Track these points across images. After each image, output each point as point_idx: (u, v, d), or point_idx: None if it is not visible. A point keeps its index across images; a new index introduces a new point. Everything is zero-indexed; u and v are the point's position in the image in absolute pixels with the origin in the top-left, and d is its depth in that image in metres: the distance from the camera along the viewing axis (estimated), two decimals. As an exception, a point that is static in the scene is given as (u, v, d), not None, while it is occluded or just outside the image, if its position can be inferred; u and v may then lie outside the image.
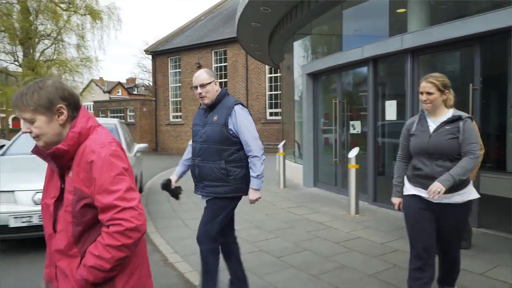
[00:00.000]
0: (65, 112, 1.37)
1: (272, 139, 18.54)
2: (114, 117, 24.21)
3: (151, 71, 45.68)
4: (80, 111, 1.42)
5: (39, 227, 3.93)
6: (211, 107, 2.72)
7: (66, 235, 1.37)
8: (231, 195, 2.70)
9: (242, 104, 2.76)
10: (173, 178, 2.87)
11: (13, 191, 4.01)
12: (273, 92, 18.70)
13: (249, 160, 2.69)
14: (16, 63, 19.26)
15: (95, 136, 1.40)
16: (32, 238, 4.16)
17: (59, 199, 1.42)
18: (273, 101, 18.77)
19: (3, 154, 5.07)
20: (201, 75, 2.68)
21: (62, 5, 19.39)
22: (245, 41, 11.53)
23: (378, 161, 6.25)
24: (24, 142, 5.22)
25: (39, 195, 4.02)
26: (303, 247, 4.19)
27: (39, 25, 18.81)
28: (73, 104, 1.40)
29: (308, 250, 4.08)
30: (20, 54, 19.38)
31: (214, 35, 21.07)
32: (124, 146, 5.73)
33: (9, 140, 20.78)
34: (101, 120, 6.82)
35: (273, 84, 18.67)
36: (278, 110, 18.52)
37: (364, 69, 6.56)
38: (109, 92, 57.90)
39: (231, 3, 26.65)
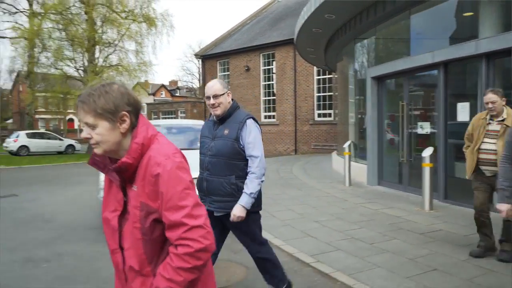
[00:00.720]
0: (128, 120, 1.31)
1: (321, 140, 18.90)
2: (165, 118, 25.59)
3: (194, 73, 47.38)
4: (139, 119, 1.36)
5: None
6: (222, 119, 2.66)
7: (137, 252, 1.31)
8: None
9: (253, 118, 2.69)
10: (201, 194, 2.75)
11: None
12: (321, 94, 19.04)
13: (248, 175, 2.60)
14: (81, 69, 20.94)
15: (158, 146, 1.33)
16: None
17: (123, 213, 1.36)
18: (321, 103, 19.11)
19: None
20: (215, 86, 2.62)
21: (122, 14, 20.89)
22: (302, 45, 12.03)
23: (448, 160, 6.52)
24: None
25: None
26: (390, 236, 4.64)
27: (103, 34, 20.36)
28: (136, 112, 1.34)
29: (396, 239, 4.52)
30: (81, 61, 21.13)
31: (262, 38, 21.73)
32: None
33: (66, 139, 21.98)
34: (190, 122, 7.60)
35: (321, 85, 19.02)
36: (327, 111, 18.87)
37: (433, 72, 6.85)
38: (153, 94, 60.51)
39: (275, 7, 27.28)
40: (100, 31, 20.13)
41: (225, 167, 2.59)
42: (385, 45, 8.86)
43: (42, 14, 25.42)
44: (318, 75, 18.99)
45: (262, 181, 2.61)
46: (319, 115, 19.25)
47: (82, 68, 20.78)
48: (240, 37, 24.18)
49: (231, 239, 3.05)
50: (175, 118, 24.84)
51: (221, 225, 2.74)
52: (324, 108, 19.01)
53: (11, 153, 20.74)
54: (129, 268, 1.33)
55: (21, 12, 25.64)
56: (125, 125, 1.30)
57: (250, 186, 2.55)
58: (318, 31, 10.00)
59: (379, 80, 8.26)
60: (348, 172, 8.29)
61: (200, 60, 24.69)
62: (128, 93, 1.32)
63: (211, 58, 23.91)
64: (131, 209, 1.32)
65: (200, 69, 24.83)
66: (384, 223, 5.22)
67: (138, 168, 1.30)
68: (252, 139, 2.59)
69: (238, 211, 2.55)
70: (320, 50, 12.23)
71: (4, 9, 25.22)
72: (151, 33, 21.48)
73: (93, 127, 1.27)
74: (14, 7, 25.55)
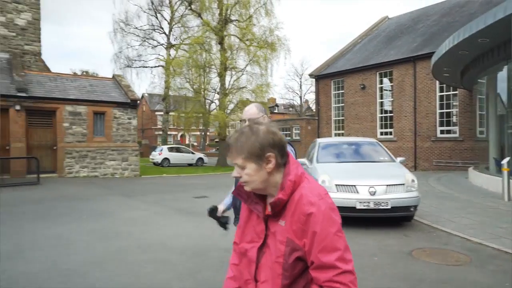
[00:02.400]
0: (273, 160, 1.34)
1: (444, 157, 18.62)
2: (280, 134, 27.63)
3: (296, 91, 49.46)
4: (289, 158, 1.41)
5: (373, 210, 5.92)
6: None
7: (273, 287, 1.32)
8: None
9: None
10: (220, 207, 2.75)
11: (355, 185, 6.11)
12: (444, 110, 18.85)
13: None
14: (213, 91, 24.09)
15: (309, 185, 1.36)
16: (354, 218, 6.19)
17: (261, 246, 1.38)
18: (444, 119, 18.89)
19: (317, 162, 7.40)
20: (251, 110, 2.64)
21: (247, 42, 23.57)
22: (440, 65, 12.54)
23: None
24: (323, 155, 7.51)
25: (372, 189, 6.03)
26: None
27: (233, 60, 23.25)
28: (281, 152, 1.37)
29: None
30: (214, 84, 24.36)
31: (378, 57, 22.37)
32: (388, 158, 7.53)
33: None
34: (362, 138, 8.85)
35: (444, 102, 18.85)
36: (451, 127, 18.58)
37: None
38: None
39: (387, 24, 27.64)
40: (230, 57, 23.00)
41: None
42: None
43: (176, 46, 29.95)
44: (441, 91, 18.89)
45: None
46: (441, 132, 19.03)
47: (214, 91, 23.90)
48: (353, 57, 25.12)
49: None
50: (289, 134, 26.63)
51: None
52: (448, 125, 18.75)
53: (155, 164, 24.63)
54: None
55: (161, 45, 30.55)
56: (271, 165, 1.34)
57: None
58: (464, 53, 10.53)
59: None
60: (507, 187, 8.61)
61: (314, 80, 26.18)
62: (273, 134, 1.36)
63: (325, 78, 25.26)
64: (273, 243, 1.34)
65: (315, 88, 26.19)
66: None
67: (287, 204, 1.33)
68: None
69: None
70: (457, 69, 12.59)
71: (149, 43, 30.34)
72: (272, 57, 23.72)
73: (242, 168, 1.35)
74: (157, 41, 30.55)
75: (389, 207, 5.95)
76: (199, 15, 22.48)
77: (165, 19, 30.06)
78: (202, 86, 25.95)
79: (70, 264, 4.45)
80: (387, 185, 6.10)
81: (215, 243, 5.24)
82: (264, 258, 1.35)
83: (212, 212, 2.65)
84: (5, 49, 15.79)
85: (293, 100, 49.88)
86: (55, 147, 14.09)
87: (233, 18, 22.70)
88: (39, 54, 16.84)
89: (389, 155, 7.64)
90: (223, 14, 22.56)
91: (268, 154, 1.33)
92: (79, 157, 14.44)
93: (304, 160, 7.89)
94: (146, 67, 30.98)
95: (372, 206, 5.95)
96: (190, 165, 25.64)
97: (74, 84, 15.38)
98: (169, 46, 29.95)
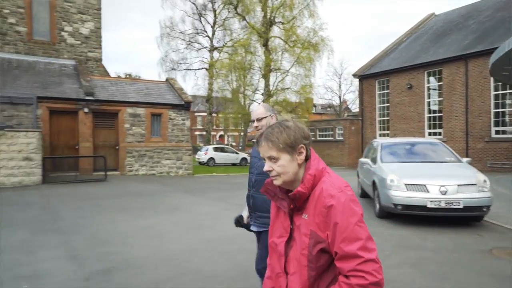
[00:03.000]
0: (304, 152, 1.42)
1: (500, 158, 17.93)
2: (322, 135, 27.65)
3: (335, 91, 49.05)
4: (312, 153, 1.47)
5: (445, 209, 6.04)
6: None
7: (301, 278, 1.38)
8: None
9: None
10: (245, 214, 2.81)
11: (425, 184, 6.26)
12: (499, 110, 18.15)
13: None
14: (258, 92, 24.62)
15: (329, 179, 1.41)
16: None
17: (288, 240, 1.44)
18: (500, 119, 18.19)
19: (382, 162, 7.57)
20: (258, 110, 2.68)
21: (290, 43, 23.86)
22: (500, 64, 12.19)
23: None
24: (386, 155, 7.67)
25: (443, 188, 6.14)
26: None
27: (276, 61, 23.65)
28: (309, 144, 1.45)
29: None
30: (257, 85, 24.86)
31: (426, 55, 21.87)
32: (454, 158, 7.56)
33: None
34: (424, 139, 8.90)
35: (500, 101, 18.15)
36: (506, 127, 17.86)
37: None
38: (291, 111, 64.39)
39: (433, 22, 26.89)
40: (274, 59, 23.42)
41: None
42: None
43: (219, 48, 30.77)
44: (496, 90, 18.21)
45: None
46: (496, 132, 18.33)
47: (254, 92, 24.42)
48: (398, 56, 24.70)
49: None
50: (332, 134, 26.61)
51: None
52: (503, 125, 18.04)
53: (201, 163, 25.49)
54: None
55: (204, 48, 31.52)
56: (302, 157, 1.42)
57: None
58: (529, 51, 10.23)
59: None
60: None
61: (358, 80, 26.00)
62: (303, 128, 1.45)
63: (369, 78, 25.02)
64: (298, 236, 1.40)
65: (358, 88, 26.00)
66: None
67: (309, 198, 1.39)
68: None
69: None
70: (519, 67, 12.18)
71: (194, 47, 31.43)
72: (316, 58, 23.86)
73: (275, 160, 1.41)
74: (201, 44, 31.57)
75: (461, 206, 6.04)
76: (244, 18, 23.05)
77: (209, 23, 31.02)
78: (243, 88, 26.57)
79: (171, 251, 4.99)
80: (459, 185, 6.19)
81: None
82: (292, 251, 1.42)
83: (239, 222, 2.78)
84: (71, 56, 17.12)
85: (331, 100, 49.52)
86: (117, 147, 15.12)
87: (277, 20, 23.08)
88: (100, 60, 18.07)
89: (455, 156, 7.66)
90: (267, 17, 23.00)
91: (300, 146, 1.41)
92: (138, 156, 15.40)
93: (367, 160, 8.09)
94: (190, 69, 32.09)
95: (443, 205, 6.06)
96: (233, 164, 26.29)
97: (132, 88, 16.39)
98: (212, 48, 30.87)
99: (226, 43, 29.57)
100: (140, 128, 15.47)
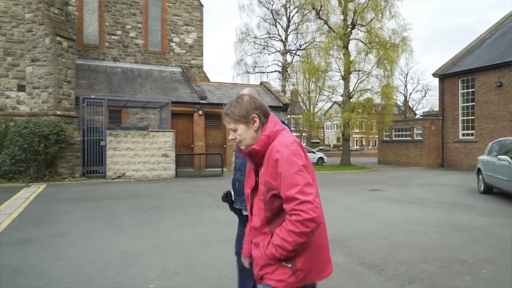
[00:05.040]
0: (257, 120, 1.70)
1: None
2: (399, 135, 27.63)
3: (401, 91, 48.06)
4: (270, 118, 1.75)
5: None
6: None
7: (260, 218, 1.70)
8: None
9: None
10: (233, 193, 2.92)
11: None
12: None
13: None
14: (337, 94, 25.27)
15: (280, 138, 1.68)
16: None
17: (255, 189, 1.78)
18: None
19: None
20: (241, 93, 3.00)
21: (370, 44, 24.19)
22: None
23: None
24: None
25: None
26: None
27: (356, 63, 24.14)
28: (263, 113, 1.73)
29: None
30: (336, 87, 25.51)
31: (518, 53, 21.18)
32: None
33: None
34: None
35: None
36: None
37: None
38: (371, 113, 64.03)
39: (521, 17, 25.77)
40: (355, 61, 23.91)
41: None
42: None
43: (293, 51, 31.79)
44: None
45: None
46: None
47: (338, 93, 25.06)
48: (484, 53, 24.09)
49: None
50: (409, 134, 26.50)
51: None
52: None
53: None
54: (254, 228, 1.75)
55: (278, 51, 32.75)
56: (256, 124, 1.70)
57: None
58: None
59: None
60: None
61: (438, 79, 25.69)
62: (255, 100, 1.72)
63: (451, 77, 24.65)
64: (260, 186, 1.72)
65: (438, 88, 25.69)
66: None
67: (265, 155, 1.68)
68: None
69: None
70: None
71: (268, 50, 32.80)
72: (396, 59, 23.98)
73: (235, 130, 1.72)
74: (275, 48, 32.87)
75: None
76: (326, 22, 23.82)
77: (282, 27, 32.21)
78: (320, 89, 27.32)
79: (356, 233, 5.99)
80: None
81: (443, 218, 6.41)
82: (256, 198, 1.75)
83: (227, 196, 2.86)
84: (178, 64, 19.04)
85: (396, 99, 48.60)
86: (224, 146, 16.65)
87: (358, 22, 23.59)
88: (201, 66, 19.84)
89: None
90: (347, 19, 23.58)
91: (252, 115, 1.70)
92: (243, 154, 16.85)
93: (505, 157, 8.52)
94: (263, 72, 33.51)
95: None
96: (309, 163, 27.17)
97: (234, 92, 17.88)
98: (286, 51, 32.03)
99: (300, 46, 30.58)
100: (244, 128, 16.90)
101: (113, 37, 17.50)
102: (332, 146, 57.48)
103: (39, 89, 11.39)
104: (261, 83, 20.05)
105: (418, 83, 76.28)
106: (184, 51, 19.25)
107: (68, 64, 11.60)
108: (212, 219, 6.72)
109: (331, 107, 48.55)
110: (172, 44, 19.04)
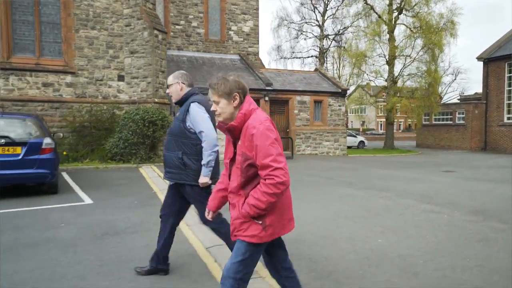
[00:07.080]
0: (238, 98, 2.00)
1: None
2: (439, 119, 27.94)
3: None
4: (246, 98, 2.03)
5: None
6: (180, 103, 3.12)
7: (237, 182, 2.02)
8: (188, 183, 2.97)
9: (198, 102, 3.00)
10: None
11: None
12: None
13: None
14: (382, 79, 25.66)
15: (255, 116, 1.99)
16: None
17: (232, 160, 2.08)
18: None
19: None
20: (169, 78, 3.14)
21: (415, 29, 24.35)
22: None
23: None
24: None
25: None
26: None
27: (401, 48, 24.39)
28: (244, 93, 2.03)
29: None
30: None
31: None
32: None
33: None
34: None
35: None
36: None
37: None
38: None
39: None
40: (400, 46, 24.18)
41: (175, 144, 3.01)
42: None
43: (330, 36, 31.98)
44: None
45: (213, 152, 2.91)
46: None
47: (381, 78, 25.44)
48: (531, 36, 24.05)
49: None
50: (451, 118, 26.81)
51: (181, 195, 3.13)
52: None
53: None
54: (231, 192, 2.07)
55: (316, 37, 33.04)
56: (236, 102, 2.01)
57: (203, 158, 2.92)
58: None
59: None
60: None
61: (482, 63, 25.77)
62: (239, 81, 2.02)
63: (497, 60, 24.76)
64: (236, 156, 2.02)
65: (482, 71, 25.79)
66: None
67: (242, 131, 1.98)
68: (193, 119, 2.96)
69: (200, 179, 2.94)
70: None
71: (305, 36, 33.12)
72: (441, 43, 24.15)
73: (217, 103, 2.01)
74: (312, 33, 33.15)
75: None
76: (372, 8, 24.04)
77: (319, 12, 32.41)
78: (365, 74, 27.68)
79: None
80: None
81: None
82: (233, 166, 2.06)
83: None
84: (236, 52, 19.72)
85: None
86: (288, 130, 17.43)
87: (405, 7, 23.75)
88: (257, 53, 20.47)
89: None
90: (393, 4, 23.75)
91: (234, 94, 1.99)
92: (305, 138, 17.63)
93: None
94: (299, 57, 33.95)
95: None
96: (349, 147, 27.83)
97: (293, 78, 18.56)
98: (323, 36, 32.31)
99: (339, 31, 30.82)
100: (305, 113, 17.64)
101: (177, 26, 18.22)
102: (361, 130, 57.60)
103: (137, 79, 12.27)
104: (316, 69, 20.63)
105: (449, 66, 74.89)
106: (242, 39, 19.87)
107: (162, 55, 12.42)
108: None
109: (354, 90, 48.60)
110: (230, 32, 19.67)
